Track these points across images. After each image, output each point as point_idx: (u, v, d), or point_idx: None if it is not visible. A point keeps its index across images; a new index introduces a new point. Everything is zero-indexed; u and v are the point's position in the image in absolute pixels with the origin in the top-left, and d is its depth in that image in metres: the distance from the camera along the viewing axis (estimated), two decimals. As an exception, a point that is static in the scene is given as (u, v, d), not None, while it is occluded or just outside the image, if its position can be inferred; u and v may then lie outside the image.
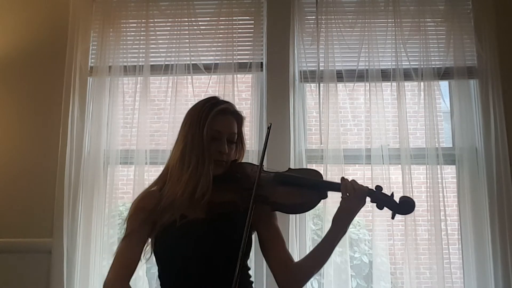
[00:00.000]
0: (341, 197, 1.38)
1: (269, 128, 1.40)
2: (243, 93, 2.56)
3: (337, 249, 2.28)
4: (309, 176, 1.46)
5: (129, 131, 2.44)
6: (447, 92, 2.49)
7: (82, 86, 2.44)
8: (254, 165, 1.51)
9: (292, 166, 2.31)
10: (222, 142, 1.43)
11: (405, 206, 1.36)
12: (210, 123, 1.40)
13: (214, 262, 1.34)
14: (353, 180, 1.40)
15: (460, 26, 2.41)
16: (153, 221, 1.38)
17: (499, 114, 2.28)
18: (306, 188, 1.43)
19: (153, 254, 1.42)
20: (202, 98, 1.52)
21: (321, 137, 2.38)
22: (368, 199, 1.39)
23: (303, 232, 2.30)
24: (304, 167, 2.33)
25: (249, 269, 1.47)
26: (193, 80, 2.45)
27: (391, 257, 2.33)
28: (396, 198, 1.37)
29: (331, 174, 2.31)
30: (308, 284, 2.30)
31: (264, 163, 2.29)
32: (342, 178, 1.41)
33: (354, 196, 1.36)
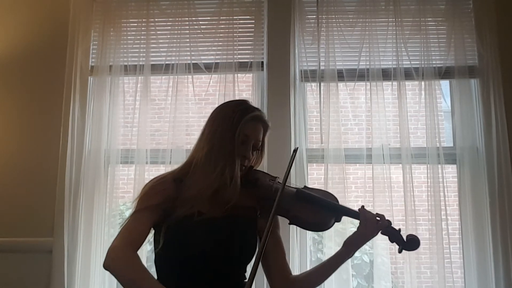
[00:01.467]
0: (361, 224, 1.46)
1: (295, 151, 1.48)
2: (243, 93, 2.56)
3: (337, 248, 2.28)
4: (327, 198, 1.53)
5: (130, 131, 2.44)
6: (448, 91, 2.48)
7: (82, 86, 2.44)
8: (271, 176, 1.54)
9: (293, 166, 2.28)
10: (248, 147, 1.45)
11: (411, 244, 1.48)
12: (242, 127, 1.42)
13: (221, 261, 1.36)
14: (377, 213, 1.48)
15: (461, 25, 2.40)
16: (165, 208, 1.38)
17: (500, 113, 2.28)
18: (325, 209, 1.49)
19: (156, 240, 1.40)
20: (220, 98, 1.56)
21: (322, 136, 2.38)
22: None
23: (303, 232, 2.29)
24: (304, 166, 2.33)
25: (245, 278, 1.47)
26: (193, 80, 2.45)
27: (392, 257, 2.33)
28: (404, 235, 1.49)
29: (332, 173, 2.31)
30: (309, 283, 2.29)
31: (265, 162, 2.31)
32: (362, 207, 1.49)
33: (370, 225, 1.45)
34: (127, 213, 1.44)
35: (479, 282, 2.21)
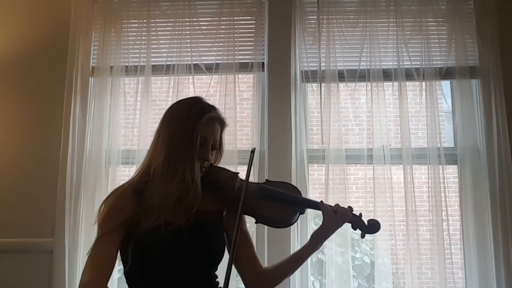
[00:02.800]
0: (324, 217, 1.48)
1: (252, 152, 1.44)
2: (244, 93, 2.56)
3: (338, 249, 2.30)
4: (290, 192, 1.52)
5: (131, 131, 2.44)
6: (449, 92, 2.48)
7: (83, 86, 2.44)
8: (232, 172, 1.51)
9: (293, 167, 2.31)
10: (207, 149, 1.41)
11: (372, 227, 1.53)
12: (199, 130, 1.37)
13: (194, 268, 1.35)
14: (337, 204, 1.50)
15: (462, 25, 2.40)
16: (131, 224, 1.33)
17: (501, 113, 2.28)
18: (289, 204, 1.49)
19: (124, 258, 1.37)
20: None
21: (323, 137, 2.38)
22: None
23: (304, 232, 2.30)
24: (305, 167, 2.33)
25: (217, 277, 1.46)
26: (194, 80, 2.45)
27: (393, 257, 2.33)
28: (365, 219, 1.54)
29: (333, 174, 2.31)
30: (309, 283, 2.30)
31: (265, 163, 2.32)
32: (321, 202, 1.50)
33: (336, 218, 1.48)
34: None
35: (480, 283, 2.21)
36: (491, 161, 2.27)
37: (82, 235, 2.30)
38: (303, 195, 1.60)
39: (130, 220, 1.34)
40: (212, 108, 1.45)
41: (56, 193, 2.33)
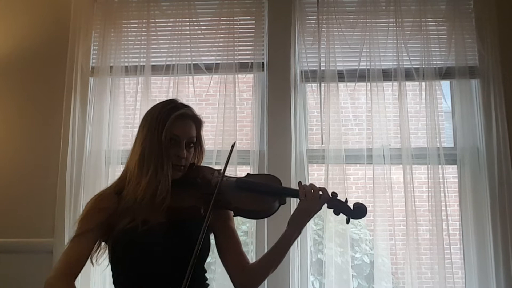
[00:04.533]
0: (300, 199, 1.43)
1: (232, 146, 1.46)
2: (244, 93, 2.57)
3: (338, 249, 2.30)
4: (269, 182, 1.50)
5: (130, 131, 2.44)
6: (449, 92, 2.48)
7: (83, 86, 2.44)
8: (214, 169, 1.52)
9: (293, 167, 2.31)
10: (181, 146, 1.42)
11: (358, 211, 1.43)
12: (168, 128, 1.39)
13: (174, 267, 1.34)
14: (312, 184, 1.45)
15: (462, 25, 2.40)
16: (110, 224, 1.37)
17: (501, 113, 2.28)
18: (266, 195, 1.47)
19: (105, 258, 1.40)
20: (163, 100, 1.52)
21: (322, 137, 2.38)
22: (325, 205, 1.45)
23: (303, 232, 2.29)
24: (304, 167, 2.34)
25: (205, 271, 1.46)
26: (194, 80, 2.45)
27: (392, 257, 2.33)
28: (350, 204, 1.44)
29: (332, 174, 2.31)
30: (309, 283, 2.30)
31: (265, 163, 2.32)
32: (300, 182, 1.47)
33: (310, 199, 1.41)
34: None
35: (479, 283, 2.21)
36: (490, 161, 2.28)
37: (82, 235, 2.30)
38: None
39: (110, 221, 1.37)
40: (183, 106, 1.47)
41: (56, 193, 2.33)
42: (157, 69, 2.47)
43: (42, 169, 2.38)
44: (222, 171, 1.39)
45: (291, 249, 2.15)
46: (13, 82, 2.49)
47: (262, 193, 1.47)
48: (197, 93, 2.44)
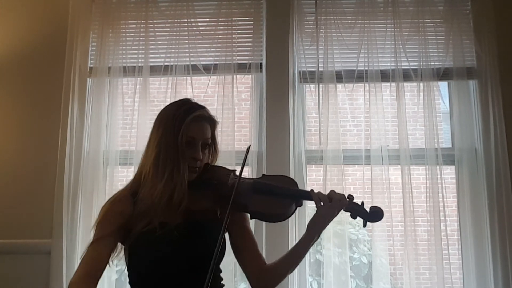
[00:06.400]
0: (316, 206, 1.42)
1: (248, 149, 1.43)
2: (242, 94, 2.57)
3: (336, 249, 2.30)
4: (285, 185, 1.49)
5: (129, 132, 2.44)
6: (447, 92, 2.49)
7: (81, 87, 2.44)
8: (229, 170, 1.50)
9: (291, 167, 2.31)
10: (197, 148, 1.41)
11: (375, 215, 1.45)
12: (185, 130, 1.38)
13: (193, 269, 1.34)
14: (332, 190, 1.44)
15: (459, 26, 2.41)
16: (126, 226, 1.36)
17: (498, 114, 2.29)
18: (283, 197, 1.45)
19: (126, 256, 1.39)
20: (176, 100, 1.51)
21: (321, 137, 2.38)
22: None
23: (302, 230, 2.28)
24: (303, 167, 2.34)
25: (221, 271, 1.46)
26: (192, 81, 2.45)
27: (391, 258, 2.33)
28: (366, 207, 1.45)
29: (331, 175, 2.31)
30: (308, 284, 2.30)
31: (264, 163, 2.32)
32: (312, 191, 1.45)
33: (327, 206, 1.41)
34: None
35: (477, 283, 2.22)
36: (488, 162, 2.28)
37: (80, 236, 2.30)
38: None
39: (128, 224, 1.36)
40: (199, 107, 1.45)
41: (54, 194, 2.33)
42: (155, 70, 2.46)
43: (40, 169, 2.38)
44: (238, 174, 1.37)
45: (289, 248, 2.18)
46: (11, 83, 2.48)
47: (279, 196, 1.45)
48: (195, 94, 2.44)
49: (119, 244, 1.40)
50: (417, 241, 2.24)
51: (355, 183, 2.61)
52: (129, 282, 1.40)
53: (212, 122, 1.47)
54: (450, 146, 2.44)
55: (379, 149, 2.33)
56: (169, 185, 1.35)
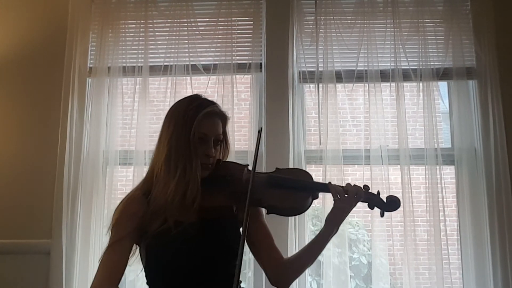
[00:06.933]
0: (333, 199, 1.41)
1: (259, 132, 1.42)
2: (242, 94, 2.57)
3: (336, 249, 2.30)
4: (300, 178, 1.48)
5: (128, 132, 2.44)
6: (446, 92, 2.49)
7: (81, 87, 2.44)
8: (241, 164, 1.49)
9: (291, 167, 2.31)
10: (209, 145, 1.40)
11: (392, 204, 1.44)
12: (197, 126, 1.36)
13: (210, 266, 1.34)
14: (348, 183, 1.44)
15: (459, 26, 2.41)
16: (143, 227, 1.34)
17: (498, 114, 2.29)
18: (299, 190, 1.44)
19: (142, 256, 1.38)
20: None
21: (320, 137, 2.38)
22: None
23: (302, 233, 2.30)
24: (302, 167, 2.34)
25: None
26: (192, 81, 2.45)
27: (390, 258, 2.34)
28: (383, 197, 1.45)
29: (330, 174, 2.31)
30: (307, 284, 2.30)
31: (263, 163, 2.32)
32: (329, 183, 1.45)
33: (343, 198, 1.41)
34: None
35: (477, 283, 2.22)
36: (488, 162, 2.28)
37: (80, 236, 2.30)
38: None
39: (143, 224, 1.34)
40: (210, 103, 1.43)
41: (54, 194, 2.33)
42: (155, 70, 2.46)
43: (40, 170, 2.37)
44: (252, 164, 1.34)
45: (289, 249, 2.18)
46: (10, 83, 2.48)
47: (295, 189, 1.43)
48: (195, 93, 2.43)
49: (134, 245, 1.39)
50: (417, 241, 2.24)
51: (354, 183, 2.60)
52: (147, 283, 1.39)
53: (223, 118, 1.46)
54: (449, 146, 2.44)
55: (378, 149, 2.33)
56: (182, 183, 1.33)
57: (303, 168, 2.34)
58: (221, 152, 1.49)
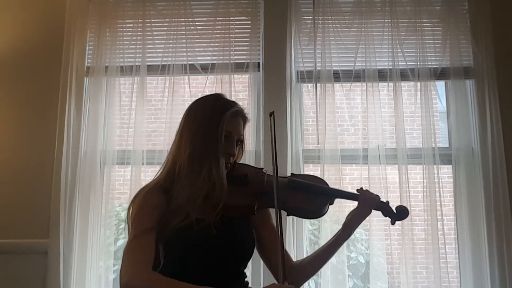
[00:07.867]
0: (358, 204, 1.46)
1: (271, 115, 1.44)
2: (240, 93, 2.56)
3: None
4: (317, 183, 1.53)
5: (126, 132, 2.44)
6: (444, 92, 2.50)
7: (78, 86, 2.43)
8: (256, 168, 1.52)
9: (289, 166, 2.31)
10: (232, 144, 1.41)
11: (402, 213, 1.53)
12: (225, 124, 1.37)
13: (225, 264, 1.34)
14: (366, 190, 1.49)
15: (456, 26, 2.42)
16: (162, 222, 1.32)
17: (495, 114, 2.29)
18: (318, 195, 1.49)
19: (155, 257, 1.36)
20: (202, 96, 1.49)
21: (318, 137, 2.38)
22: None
23: (300, 232, 2.30)
24: (300, 167, 2.34)
25: (246, 276, 1.45)
26: (190, 80, 2.45)
27: (388, 257, 2.34)
28: (392, 207, 1.53)
29: (328, 174, 2.31)
30: (306, 284, 2.30)
31: (262, 163, 2.32)
32: (361, 189, 1.50)
33: (368, 205, 1.46)
34: (123, 214, 1.42)
35: (474, 282, 2.22)
36: (485, 161, 2.29)
37: (77, 236, 2.29)
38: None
39: (162, 218, 1.33)
40: (234, 103, 1.45)
41: (51, 193, 2.32)
42: (152, 69, 2.46)
43: (37, 169, 2.37)
44: (273, 165, 1.37)
45: (287, 249, 2.18)
46: (7, 82, 2.47)
47: (315, 194, 1.48)
48: (193, 93, 2.43)
49: None
50: (414, 240, 2.24)
51: (352, 182, 2.61)
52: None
53: (245, 119, 1.47)
54: (447, 145, 2.45)
55: (376, 149, 2.33)
56: (208, 182, 1.33)
57: (301, 168, 2.35)
58: (238, 153, 1.49)
